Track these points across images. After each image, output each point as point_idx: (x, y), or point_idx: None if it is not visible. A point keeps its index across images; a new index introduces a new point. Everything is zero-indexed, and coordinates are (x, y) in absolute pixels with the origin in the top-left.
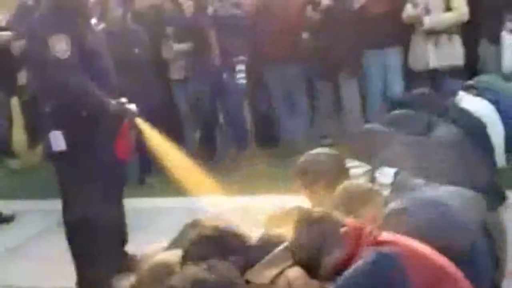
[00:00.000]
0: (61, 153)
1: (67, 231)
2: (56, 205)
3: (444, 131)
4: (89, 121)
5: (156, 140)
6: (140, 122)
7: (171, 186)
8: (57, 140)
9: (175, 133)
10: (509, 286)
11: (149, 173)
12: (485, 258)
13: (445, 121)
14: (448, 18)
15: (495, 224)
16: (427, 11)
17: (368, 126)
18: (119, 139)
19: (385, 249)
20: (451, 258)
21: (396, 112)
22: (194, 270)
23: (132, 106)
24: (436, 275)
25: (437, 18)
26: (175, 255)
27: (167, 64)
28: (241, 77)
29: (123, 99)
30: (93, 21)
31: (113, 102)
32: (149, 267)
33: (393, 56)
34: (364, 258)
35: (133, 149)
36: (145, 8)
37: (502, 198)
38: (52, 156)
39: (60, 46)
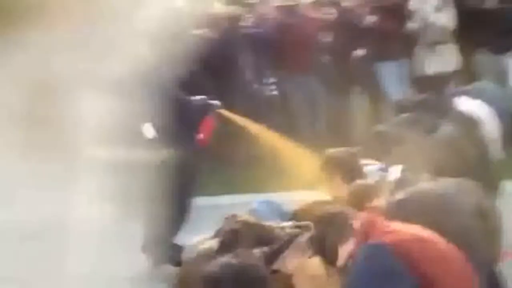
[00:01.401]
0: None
1: None
2: None
3: (446, 131)
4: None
5: (246, 123)
6: (227, 112)
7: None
8: (149, 130)
9: None
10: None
11: None
12: (479, 238)
13: (447, 122)
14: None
15: (491, 209)
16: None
17: (380, 127)
18: (203, 127)
19: (375, 240)
20: (449, 240)
21: (404, 115)
22: (222, 258)
23: (215, 102)
24: (441, 258)
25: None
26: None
27: None
28: (272, 89)
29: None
30: None
31: (196, 98)
32: (196, 253)
33: (401, 65)
34: (360, 251)
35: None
36: None
37: (496, 187)
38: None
39: None
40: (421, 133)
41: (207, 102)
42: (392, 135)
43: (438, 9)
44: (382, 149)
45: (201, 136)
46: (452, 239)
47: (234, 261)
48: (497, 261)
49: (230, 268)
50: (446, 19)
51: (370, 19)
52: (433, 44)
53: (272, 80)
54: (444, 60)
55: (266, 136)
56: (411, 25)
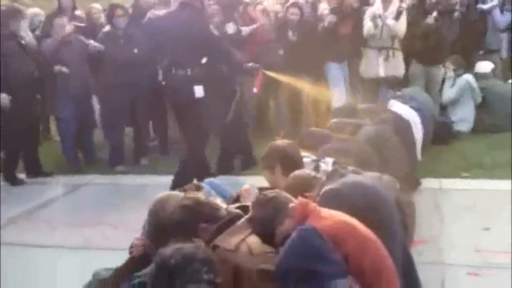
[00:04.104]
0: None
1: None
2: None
3: (369, 130)
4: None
5: (282, 77)
6: (267, 72)
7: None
8: (199, 91)
9: None
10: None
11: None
12: (398, 227)
13: (374, 123)
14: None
15: (407, 202)
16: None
17: (312, 128)
18: (256, 81)
19: (309, 224)
20: (374, 227)
21: (334, 120)
22: (184, 246)
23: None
24: (362, 242)
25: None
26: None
27: None
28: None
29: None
30: None
31: (250, 63)
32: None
33: (346, 67)
34: (293, 234)
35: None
36: None
37: (417, 183)
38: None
39: None
40: (348, 133)
41: (256, 65)
42: (323, 134)
43: (396, 17)
44: (315, 145)
45: (255, 86)
46: (375, 226)
47: (195, 251)
48: (409, 247)
49: (193, 256)
50: (402, 26)
51: (330, 19)
52: (383, 49)
53: None
54: (394, 64)
55: (299, 83)
56: (369, 28)
